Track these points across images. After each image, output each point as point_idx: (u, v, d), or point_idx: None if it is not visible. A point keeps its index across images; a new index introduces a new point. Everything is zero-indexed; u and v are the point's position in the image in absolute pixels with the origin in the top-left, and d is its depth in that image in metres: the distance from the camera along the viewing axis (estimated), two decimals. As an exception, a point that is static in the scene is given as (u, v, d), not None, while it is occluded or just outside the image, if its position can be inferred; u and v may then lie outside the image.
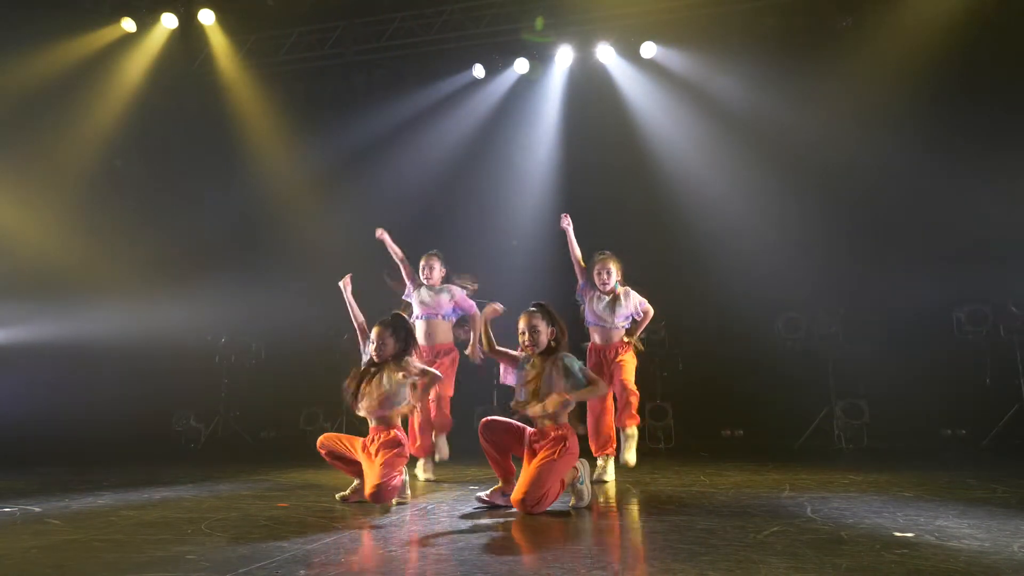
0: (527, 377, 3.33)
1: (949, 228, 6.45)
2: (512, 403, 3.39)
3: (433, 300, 4.68)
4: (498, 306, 3.57)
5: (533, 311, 3.33)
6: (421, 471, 4.45)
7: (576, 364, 3.29)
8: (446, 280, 4.79)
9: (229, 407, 7.89)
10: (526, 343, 3.30)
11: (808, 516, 2.91)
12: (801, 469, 4.64)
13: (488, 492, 3.43)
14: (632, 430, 4.19)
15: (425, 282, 4.74)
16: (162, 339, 7.68)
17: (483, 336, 3.54)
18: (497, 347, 3.51)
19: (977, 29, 6.61)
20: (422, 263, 4.77)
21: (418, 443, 4.47)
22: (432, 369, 3.64)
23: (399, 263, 4.85)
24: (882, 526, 2.66)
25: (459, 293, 4.73)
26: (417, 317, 4.69)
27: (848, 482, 3.94)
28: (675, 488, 3.89)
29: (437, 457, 4.50)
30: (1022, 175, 6.25)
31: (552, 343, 3.31)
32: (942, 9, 6.66)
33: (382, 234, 4.83)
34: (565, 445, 3.19)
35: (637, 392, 4.24)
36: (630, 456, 4.13)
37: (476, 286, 4.81)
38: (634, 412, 4.20)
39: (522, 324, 3.32)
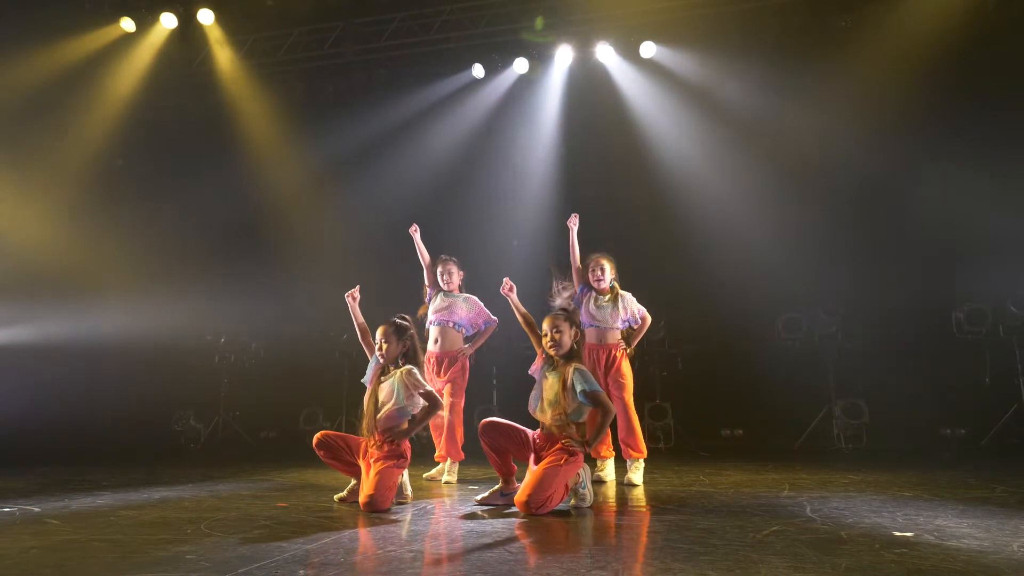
0: (545, 386, 3.40)
1: (948, 228, 6.45)
2: (533, 411, 3.43)
3: (449, 307, 4.63)
4: (509, 285, 3.76)
5: (557, 314, 3.49)
6: (446, 474, 4.43)
7: (581, 385, 3.29)
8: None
9: (229, 407, 7.88)
10: (549, 344, 3.42)
11: (808, 516, 2.91)
12: (801, 469, 4.65)
13: (487, 494, 3.44)
14: (640, 462, 4.20)
15: (444, 287, 4.68)
16: (162, 339, 7.68)
17: (518, 314, 3.70)
18: (534, 327, 3.60)
19: (977, 29, 6.61)
20: (439, 268, 4.70)
21: (442, 449, 4.50)
22: (435, 393, 3.58)
23: (424, 265, 4.80)
24: (881, 525, 2.66)
25: (479, 305, 4.68)
26: (431, 323, 4.65)
27: (848, 482, 3.94)
28: (675, 488, 3.90)
29: (444, 478, 4.42)
30: (1022, 175, 6.25)
31: (575, 345, 3.43)
32: (941, 9, 6.66)
33: (415, 230, 4.80)
34: (571, 451, 3.22)
35: (637, 419, 4.26)
36: (635, 477, 4.11)
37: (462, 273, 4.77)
38: (640, 442, 4.20)
39: (546, 326, 3.45)
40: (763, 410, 6.68)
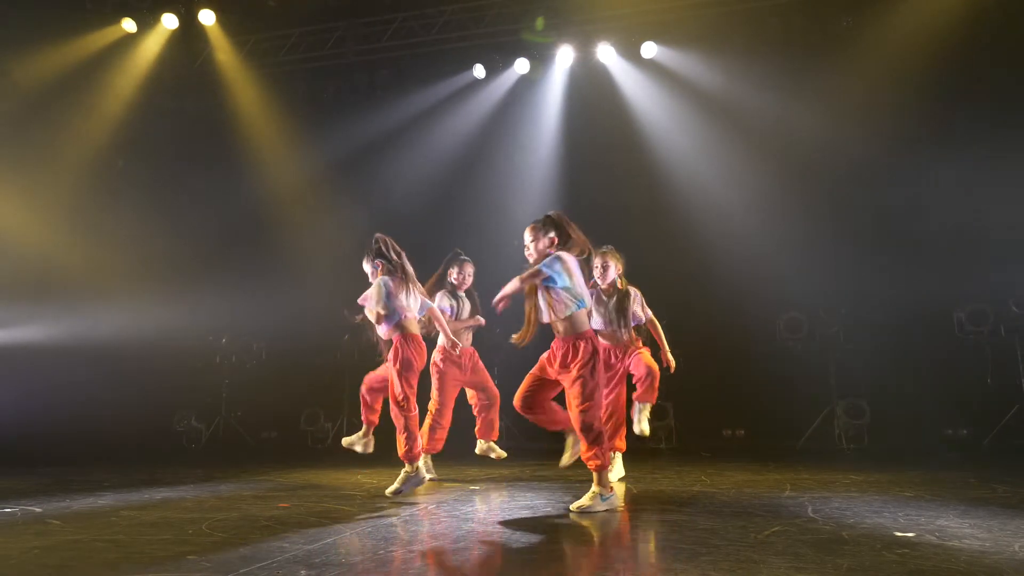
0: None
1: (950, 228, 6.44)
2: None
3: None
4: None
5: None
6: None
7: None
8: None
9: (230, 407, 7.89)
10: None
11: (809, 516, 2.91)
12: (802, 469, 4.65)
13: (567, 455, 3.45)
14: (647, 405, 4.21)
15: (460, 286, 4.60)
16: (163, 339, 7.69)
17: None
18: None
19: (977, 29, 6.60)
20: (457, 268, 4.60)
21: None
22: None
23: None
24: (883, 526, 2.66)
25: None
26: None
27: (849, 482, 3.94)
28: (676, 488, 3.89)
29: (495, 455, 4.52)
30: (1023, 174, 6.24)
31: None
32: (942, 9, 6.66)
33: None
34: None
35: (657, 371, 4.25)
36: (645, 426, 4.14)
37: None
38: (655, 390, 4.22)
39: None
40: (764, 410, 6.67)
